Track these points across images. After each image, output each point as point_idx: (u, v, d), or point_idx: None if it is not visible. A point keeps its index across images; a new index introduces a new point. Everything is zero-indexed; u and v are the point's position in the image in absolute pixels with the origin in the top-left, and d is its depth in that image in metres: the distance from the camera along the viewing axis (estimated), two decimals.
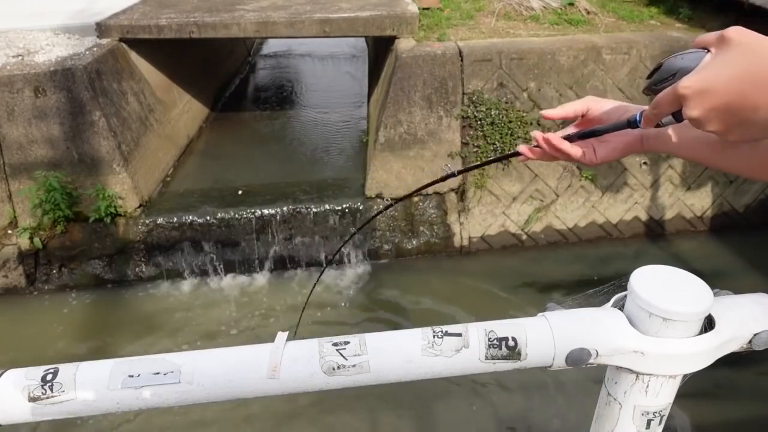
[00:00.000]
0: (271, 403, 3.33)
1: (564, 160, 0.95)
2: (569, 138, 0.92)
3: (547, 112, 0.96)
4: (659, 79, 0.73)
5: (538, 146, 0.95)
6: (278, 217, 4.34)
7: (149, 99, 4.92)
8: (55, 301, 4.22)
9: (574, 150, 0.92)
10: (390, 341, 0.79)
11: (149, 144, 4.70)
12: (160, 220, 4.27)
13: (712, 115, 0.65)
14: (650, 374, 0.79)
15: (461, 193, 4.54)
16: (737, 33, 0.63)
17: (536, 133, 0.94)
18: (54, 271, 4.28)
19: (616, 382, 0.83)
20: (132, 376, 0.74)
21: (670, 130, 0.89)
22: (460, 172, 1.10)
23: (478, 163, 1.06)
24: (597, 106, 0.96)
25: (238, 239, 4.36)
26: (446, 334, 0.79)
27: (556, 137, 0.92)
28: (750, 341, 0.80)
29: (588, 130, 0.91)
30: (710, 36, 0.66)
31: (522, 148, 0.97)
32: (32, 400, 0.73)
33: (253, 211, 4.32)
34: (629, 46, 4.41)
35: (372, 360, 0.77)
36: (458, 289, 4.26)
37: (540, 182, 4.57)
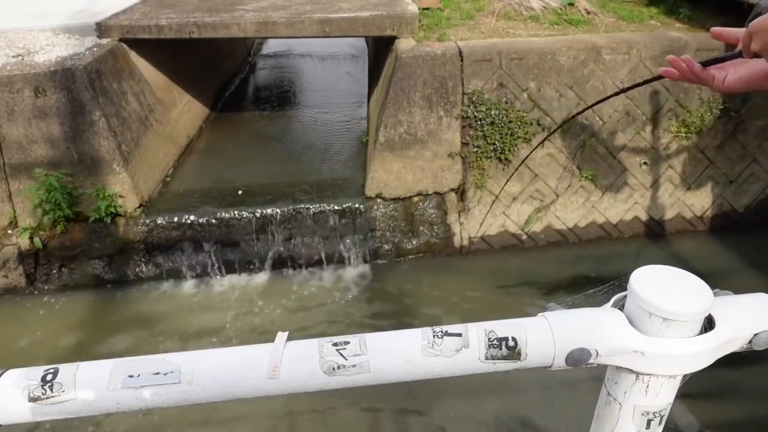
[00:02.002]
0: (271, 403, 3.33)
1: (697, 83, 1.03)
2: (702, 63, 1.01)
3: (716, 29, 1.06)
4: (752, 16, 0.86)
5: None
6: (278, 217, 4.34)
7: (149, 99, 4.92)
8: (55, 301, 4.22)
9: (705, 72, 1.00)
10: (390, 341, 0.79)
11: (149, 144, 4.70)
12: (160, 220, 4.27)
13: (766, 50, 0.81)
14: (650, 374, 0.79)
15: (461, 193, 4.54)
16: None
17: (671, 57, 1.03)
18: (54, 271, 4.28)
19: (616, 382, 0.83)
20: (132, 376, 0.74)
21: None
22: (628, 89, 1.21)
23: (641, 81, 1.16)
24: None
25: (237, 239, 4.36)
26: (446, 334, 0.79)
27: (690, 59, 1.01)
28: (750, 341, 0.80)
29: (711, 59, 1.00)
30: None
31: (662, 70, 1.06)
32: (32, 400, 0.73)
33: (253, 211, 4.32)
34: (629, 46, 4.41)
35: (372, 360, 0.77)
36: (458, 289, 4.26)
37: (540, 182, 4.57)
